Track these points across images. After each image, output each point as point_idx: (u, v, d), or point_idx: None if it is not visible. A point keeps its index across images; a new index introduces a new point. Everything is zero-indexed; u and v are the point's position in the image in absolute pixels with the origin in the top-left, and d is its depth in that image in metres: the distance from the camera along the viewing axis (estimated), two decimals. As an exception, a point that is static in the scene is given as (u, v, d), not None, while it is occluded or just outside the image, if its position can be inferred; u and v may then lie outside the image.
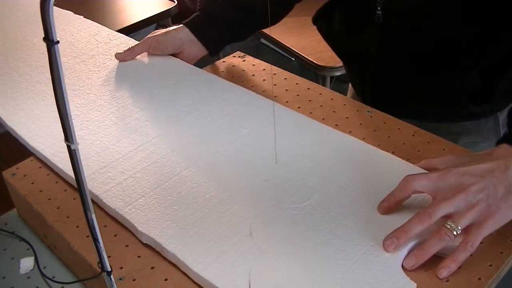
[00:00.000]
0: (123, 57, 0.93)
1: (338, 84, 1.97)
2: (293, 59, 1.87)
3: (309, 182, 0.65)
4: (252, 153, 0.70)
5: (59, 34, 0.94)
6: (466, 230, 0.56)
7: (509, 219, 0.58)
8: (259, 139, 0.72)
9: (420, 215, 0.57)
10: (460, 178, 0.58)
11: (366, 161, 0.68)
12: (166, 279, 0.57)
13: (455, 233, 0.56)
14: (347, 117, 0.79)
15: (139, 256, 0.59)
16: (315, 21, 0.97)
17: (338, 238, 0.58)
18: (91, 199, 0.64)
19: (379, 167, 0.67)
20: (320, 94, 0.85)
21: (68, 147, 0.41)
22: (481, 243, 0.57)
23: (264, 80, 0.90)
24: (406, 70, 0.84)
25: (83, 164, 0.68)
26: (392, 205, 0.60)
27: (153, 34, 0.94)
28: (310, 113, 0.80)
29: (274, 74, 0.91)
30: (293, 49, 1.78)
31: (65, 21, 1.08)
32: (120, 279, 0.57)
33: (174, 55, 0.95)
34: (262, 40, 2.57)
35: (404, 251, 0.56)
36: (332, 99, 0.83)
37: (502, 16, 0.74)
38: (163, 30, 0.94)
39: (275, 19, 0.95)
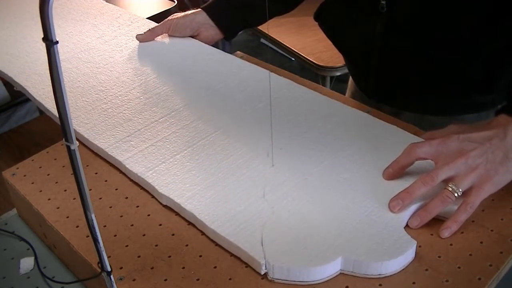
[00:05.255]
0: (144, 38, 0.99)
1: (338, 84, 1.97)
2: (293, 59, 1.87)
3: (319, 151, 0.70)
4: (266, 125, 0.74)
5: (83, 16, 1.08)
6: (466, 193, 0.60)
7: (506, 182, 0.61)
8: (274, 112, 0.77)
9: (423, 178, 0.60)
10: (460, 144, 0.61)
11: (373, 132, 0.72)
12: (166, 279, 0.57)
13: (456, 194, 0.59)
14: (347, 117, 0.79)
15: (139, 256, 0.60)
16: (317, 17, 0.97)
17: (345, 200, 0.62)
18: (115, 165, 0.71)
19: (385, 138, 0.71)
20: (320, 94, 0.85)
21: (68, 147, 0.41)
22: (481, 243, 0.58)
23: (264, 80, 0.90)
24: (410, 59, 0.84)
25: (107, 134, 0.74)
26: (396, 171, 0.64)
27: (172, 17, 0.99)
28: (310, 113, 0.80)
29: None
30: (293, 49, 1.78)
31: (88, 4, 1.16)
32: (120, 279, 0.57)
33: (192, 36, 0.99)
34: (262, 40, 2.57)
35: (406, 213, 0.60)
36: (332, 99, 0.83)
37: (503, 4, 0.75)
38: (182, 14, 0.99)
39: (292, 5, 1.00)
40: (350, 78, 1.04)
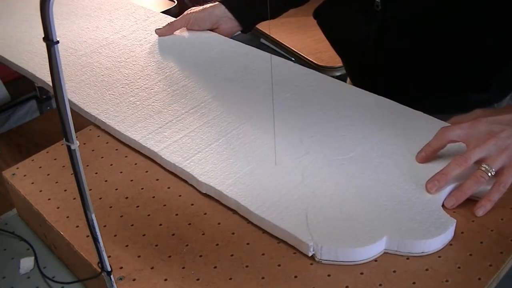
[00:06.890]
0: (163, 32, 0.99)
1: (338, 84, 1.96)
2: (293, 59, 1.87)
3: (351, 137, 0.71)
4: (297, 113, 0.76)
5: (97, 11, 1.08)
6: (498, 173, 0.62)
7: None
8: (303, 101, 0.79)
9: (457, 159, 0.62)
10: (489, 126, 0.63)
11: (400, 118, 0.74)
12: (166, 279, 0.57)
13: (489, 174, 0.61)
14: (347, 117, 0.80)
15: (139, 256, 0.60)
16: (316, 15, 0.97)
17: (381, 183, 0.64)
18: (150, 157, 0.71)
19: (413, 123, 0.73)
20: (320, 94, 0.85)
21: (68, 147, 0.41)
22: (481, 243, 0.58)
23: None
24: (405, 58, 0.84)
25: (139, 126, 0.75)
26: (428, 154, 0.66)
27: (191, 11, 1.00)
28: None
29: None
30: (293, 49, 1.78)
31: (101, 0, 1.16)
32: (120, 279, 0.57)
33: (210, 30, 1.00)
34: (262, 40, 2.56)
35: (443, 194, 0.62)
36: (332, 99, 0.84)
37: (497, 3, 0.76)
38: (200, 7, 1.00)
39: (303, 1, 1.01)
40: (348, 78, 1.05)
